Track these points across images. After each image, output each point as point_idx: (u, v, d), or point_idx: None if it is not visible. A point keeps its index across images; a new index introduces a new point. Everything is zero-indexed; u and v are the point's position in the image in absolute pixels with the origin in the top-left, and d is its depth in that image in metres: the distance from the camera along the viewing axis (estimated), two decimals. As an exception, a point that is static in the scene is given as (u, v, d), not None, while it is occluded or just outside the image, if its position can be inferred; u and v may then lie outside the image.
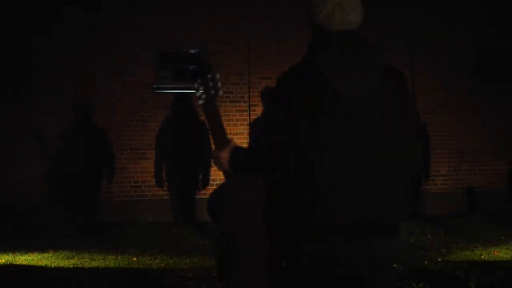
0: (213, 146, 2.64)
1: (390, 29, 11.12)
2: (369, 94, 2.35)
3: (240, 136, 10.24)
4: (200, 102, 2.66)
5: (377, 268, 2.35)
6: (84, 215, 10.12)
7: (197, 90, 2.68)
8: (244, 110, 10.65)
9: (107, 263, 7.30)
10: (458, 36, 11.27)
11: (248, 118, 10.63)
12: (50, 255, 7.77)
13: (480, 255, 7.56)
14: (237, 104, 10.64)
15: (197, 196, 10.58)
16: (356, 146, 2.29)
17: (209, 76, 2.66)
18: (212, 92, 2.62)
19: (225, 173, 2.55)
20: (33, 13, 10.27)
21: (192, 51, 10.88)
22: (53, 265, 7.06)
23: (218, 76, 2.68)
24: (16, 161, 10.17)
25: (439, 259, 7.20)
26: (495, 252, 7.73)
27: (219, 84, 2.64)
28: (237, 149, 2.49)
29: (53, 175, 10.27)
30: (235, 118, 10.51)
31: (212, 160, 2.79)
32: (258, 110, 10.57)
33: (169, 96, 10.56)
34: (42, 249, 8.14)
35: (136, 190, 10.55)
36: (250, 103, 10.64)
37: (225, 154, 2.49)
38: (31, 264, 7.14)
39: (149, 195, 10.51)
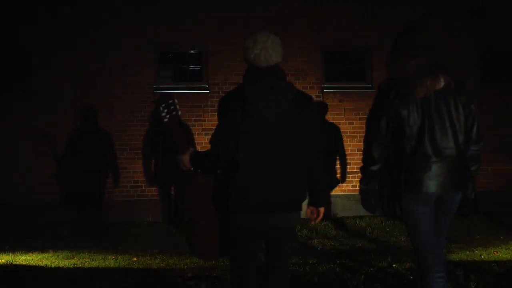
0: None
1: (390, 29, 11.12)
2: (282, 112, 3.37)
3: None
4: (165, 120, 3.54)
5: (282, 233, 3.45)
6: (85, 215, 10.13)
7: (161, 112, 3.54)
8: (244, 110, 10.65)
9: (107, 263, 7.30)
10: (459, 37, 11.28)
11: (248, 118, 10.63)
12: (50, 255, 7.78)
13: (480, 255, 7.56)
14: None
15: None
16: (269, 150, 3.32)
17: (170, 101, 3.57)
18: (174, 113, 3.53)
19: (185, 171, 3.51)
20: (33, 13, 10.28)
21: (192, 51, 10.89)
22: (53, 265, 7.06)
23: (176, 101, 3.60)
24: (16, 161, 10.18)
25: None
26: (495, 252, 7.73)
27: (178, 107, 3.56)
28: (194, 153, 3.47)
29: (54, 176, 10.29)
30: (235, 118, 10.53)
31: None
32: (258, 110, 10.58)
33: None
34: (42, 249, 8.15)
35: (136, 190, 10.55)
36: (250, 103, 10.65)
37: (186, 157, 3.47)
38: (31, 264, 7.14)
39: (149, 195, 10.51)
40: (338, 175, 10.13)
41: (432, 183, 3.39)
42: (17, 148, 10.19)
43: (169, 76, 10.97)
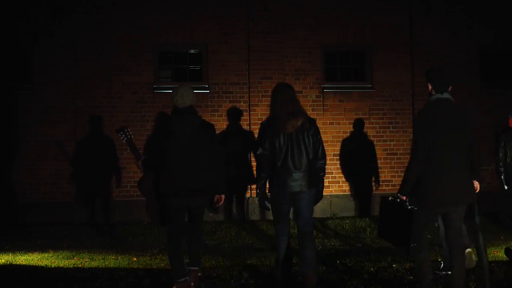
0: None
1: (390, 29, 11.13)
2: (192, 135, 5.35)
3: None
4: (124, 141, 5.74)
5: (196, 210, 5.54)
6: (85, 215, 10.13)
7: (120, 136, 5.76)
8: (244, 110, 10.64)
9: (107, 263, 7.30)
10: (460, 37, 11.28)
11: (248, 118, 10.62)
12: (50, 255, 7.78)
13: (480, 255, 7.55)
14: (237, 104, 10.64)
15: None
16: (184, 158, 5.32)
17: (125, 130, 5.75)
18: (129, 136, 5.69)
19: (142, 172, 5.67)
20: (33, 13, 10.27)
21: (192, 51, 10.89)
22: (53, 265, 7.06)
23: (129, 129, 5.89)
24: (16, 161, 10.18)
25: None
26: (495, 252, 7.73)
27: (131, 133, 5.76)
28: (145, 159, 5.53)
29: (55, 176, 10.29)
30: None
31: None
32: (258, 110, 10.57)
33: (169, 96, 10.56)
34: (42, 249, 8.15)
35: (136, 190, 10.52)
36: (250, 103, 10.64)
37: (139, 163, 5.54)
38: (31, 264, 7.14)
39: (149, 195, 10.50)
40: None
41: (293, 184, 5.43)
42: (17, 148, 10.19)
43: (169, 76, 10.97)
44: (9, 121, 10.18)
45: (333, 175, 10.77)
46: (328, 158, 11.07)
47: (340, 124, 10.81)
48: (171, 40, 10.67)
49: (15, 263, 7.20)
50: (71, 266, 7.07)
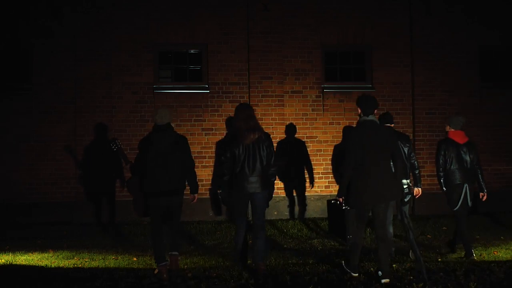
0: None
1: (390, 29, 11.13)
2: (168, 146, 6.41)
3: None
4: (114, 149, 6.75)
5: (173, 207, 6.52)
6: (86, 215, 10.13)
7: (111, 146, 6.83)
8: (244, 110, 10.64)
9: (107, 263, 7.30)
10: (460, 37, 11.28)
11: (248, 118, 10.62)
12: (50, 255, 7.78)
13: (480, 255, 7.56)
14: (237, 104, 10.62)
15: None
16: (163, 163, 6.36)
17: (116, 140, 6.85)
18: (119, 146, 6.77)
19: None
20: (33, 13, 10.28)
21: (192, 51, 10.89)
22: (53, 265, 7.06)
23: (119, 140, 7.04)
24: (17, 161, 10.18)
25: (439, 259, 7.20)
26: (495, 252, 7.73)
27: (120, 143, 6.86)
28: (131, 165, 6.61)
29: (55, 176, 10.29)
30: (235, 118, 10.52)
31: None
32: (258, 110, 10.56)
33: (169, 96, 10.58)
34: (42, 249, 8.15)
35: (136, 190, 10.54)
36: (250, 103, 10.64)
37: (128, 166, 6.65)
38: (31, 264, 7.14)
39: (149, 195, 10.51)
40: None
41: (250, 187, 6.39)
42: (17, 148, 10.19)
43: (169, 76, 10.97)
44: (9, 121, 10.18)
45: (333, 176, 10.76)
46: (328, 158, 11.21)
47: (340, 124, 10.80)
48: (171, 40, 10.67)
49: (15, 263, 7.20)
50: (71, 266, 7.07)
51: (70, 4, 10.26)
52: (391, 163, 6.01)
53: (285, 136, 10.57)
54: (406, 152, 7.26)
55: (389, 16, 11.11)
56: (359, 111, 6.08)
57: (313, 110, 10.73)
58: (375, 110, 6.07)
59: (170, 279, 6.10)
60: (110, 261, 7.43)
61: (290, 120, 10.68)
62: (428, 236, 9.13)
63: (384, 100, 10.99)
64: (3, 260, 7.34)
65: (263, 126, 10.31)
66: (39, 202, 10.17)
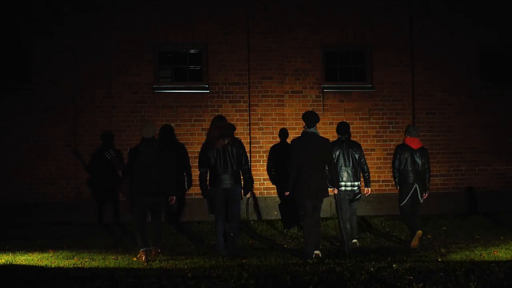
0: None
1: (390, 29, 11.13)
2: (154, 155, 7.73)
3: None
4: (108, 157, 8.01)
5: (156, 204, 7.85)
6: (85, 215, 10.12)
7: (105, 155, 8.14)
8: (244, 110, 10.65)
9: (107, 263, 7.30)
10: (460, 37, 11.28)
11: (248, 118, 10.62)
12: (50, 255, 7.78)
13: (480, 255, 7.57)
14: (237, 104, 10.64)
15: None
16: (149, 169, 7.66)
17: (110, 150, 8.11)
18: (113, 154, 8.01)
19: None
20: (33, 13, 10.28)
21: (192, 51, 10.89)
22: (53, 265, 7.06)
23: (113, 150, 8.33)
24: (17, 161, 10.18)
25: (439, 259, 7.20)
26: (495, 252, 7.73)
27: (114, 152, 8.11)
28: (123, 170, 7.88)
29: (55, 176, 10.29)
30: (235, 118, 10.52)
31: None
32: (258, 110, 10.57)
33: (169, 96, 10.58)
34: (42, 249, 8.15)
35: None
36: (250, 103, 10.64)
37: (120, 172, 7.91)
38: (31, 264, 7.14)
39: (149, 195, 10.50)
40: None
41: (224, 183, 7.73)
42: (17, 148, 10.19)
43: (169, 76, 10.97)
44: (9, 121, 10.18)
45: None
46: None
47: (340, 124, 10.79)
48: (171, 40, 10.67)
49: (15, 263, 7.19)
50: (71, 266, 7.07)
51: (70, 4, 10.26)
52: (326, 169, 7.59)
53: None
54: (357, 158, 8.21)
55: (389, 16, 11.12)
56: (304, 124, 7.63)
57: (313, 110, 10.73)
58: (316, 124, 7.64)
59: (161, 273, 6.07)
60: (110, 261, 7.43)
61: (290, 120, 10.68)
62: (428, 236, 9.13)
63: (384, 100, 11.00)
64: (3, 260, 7.34)
65: (263, 126, 10.46)
66: (39, 202, 10.17)
